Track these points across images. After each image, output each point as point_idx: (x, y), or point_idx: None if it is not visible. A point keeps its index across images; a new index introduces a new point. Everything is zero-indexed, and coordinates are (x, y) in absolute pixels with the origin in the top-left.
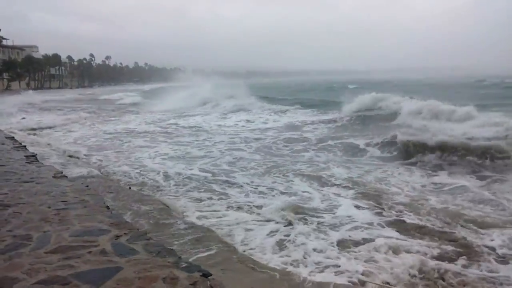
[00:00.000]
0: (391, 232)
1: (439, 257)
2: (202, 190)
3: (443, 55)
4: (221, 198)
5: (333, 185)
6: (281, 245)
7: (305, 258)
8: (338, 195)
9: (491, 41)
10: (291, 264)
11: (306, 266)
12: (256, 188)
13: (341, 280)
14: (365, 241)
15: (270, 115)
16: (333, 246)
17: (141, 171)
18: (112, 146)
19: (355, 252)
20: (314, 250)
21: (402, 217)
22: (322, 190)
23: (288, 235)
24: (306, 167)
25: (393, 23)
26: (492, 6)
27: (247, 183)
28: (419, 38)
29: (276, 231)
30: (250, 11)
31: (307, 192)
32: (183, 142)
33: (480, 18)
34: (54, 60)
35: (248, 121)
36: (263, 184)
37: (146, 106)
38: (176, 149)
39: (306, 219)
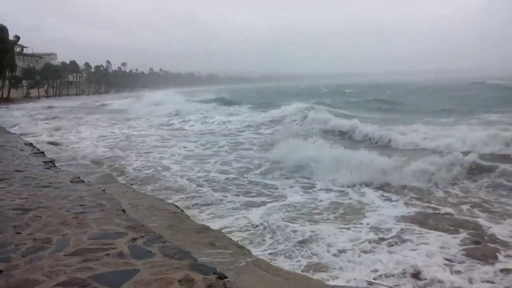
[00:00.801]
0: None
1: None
2: (254, 194)
3: (458, 57)
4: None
5: None
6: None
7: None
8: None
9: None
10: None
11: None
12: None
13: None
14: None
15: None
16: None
17: (167, 174)
18: (128, 147)
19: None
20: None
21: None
22: None
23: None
24: None
25: (407, 24)
26: None
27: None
28: (434, 39)
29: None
30: (259, 15)
31: None
32: (190, 140)
33: (498, 16)
34: (71, 67)
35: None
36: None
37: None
38: (188, 149)
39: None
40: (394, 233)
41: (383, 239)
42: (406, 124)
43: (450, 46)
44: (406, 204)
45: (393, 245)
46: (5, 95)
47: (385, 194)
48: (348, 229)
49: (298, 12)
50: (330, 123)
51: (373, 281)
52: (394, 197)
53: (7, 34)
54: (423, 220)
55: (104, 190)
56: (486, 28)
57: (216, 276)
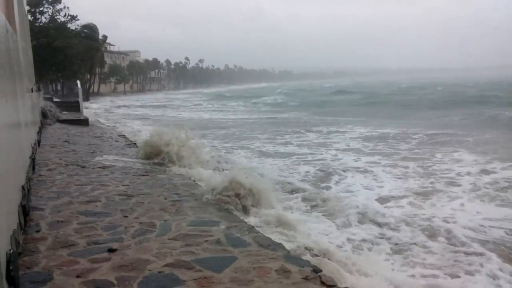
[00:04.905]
0: None
1: None
2: None
3: None
4: None
5: None
6: None
7: None
8: None
9: None
10: None
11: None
12: None
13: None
14: None
15: None
16: None
17: None
18: None
19: None
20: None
21: None
22: None
23: None
24: None
25: (498, 16)
26: None
27: None
28: None
29: None
30: (329, 11)
31: None
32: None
33: None
34: (153, 64)
35: None
36: None
37: None
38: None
39: None
40: None
41: None
42: None
43: None
44: None
45: None
46: (95, 90)
47: None
48: None
49: (372, 8)
50: None
51: None
52: None
53: (97, 33)
54: None
55: (194, 180)
56: None
57: (311, 269)
